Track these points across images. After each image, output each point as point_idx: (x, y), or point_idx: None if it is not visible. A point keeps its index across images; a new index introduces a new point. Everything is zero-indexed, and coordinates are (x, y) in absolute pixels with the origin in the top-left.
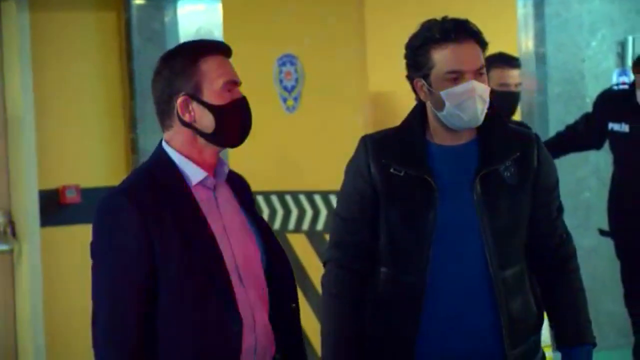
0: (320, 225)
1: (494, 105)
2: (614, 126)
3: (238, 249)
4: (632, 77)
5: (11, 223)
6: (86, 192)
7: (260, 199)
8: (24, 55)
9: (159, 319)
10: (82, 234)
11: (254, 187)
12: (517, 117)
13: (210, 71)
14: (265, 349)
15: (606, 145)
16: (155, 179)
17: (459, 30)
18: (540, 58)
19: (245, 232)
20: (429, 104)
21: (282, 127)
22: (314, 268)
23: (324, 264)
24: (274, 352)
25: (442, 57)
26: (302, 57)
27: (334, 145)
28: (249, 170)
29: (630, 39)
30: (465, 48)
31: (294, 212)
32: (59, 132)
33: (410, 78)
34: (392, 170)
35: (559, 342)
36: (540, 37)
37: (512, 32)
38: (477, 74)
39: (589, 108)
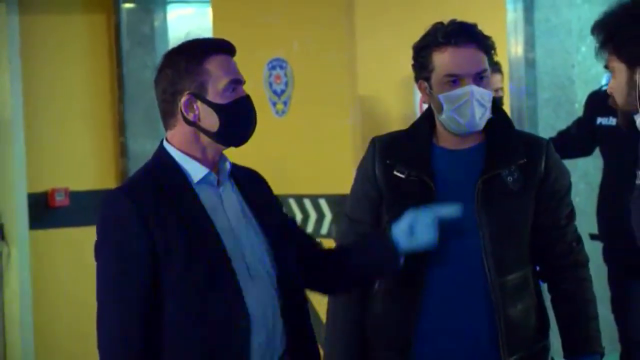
0: (309, 229)
1: (503, 110)
2: (602, 120)
3: (246, 245)
4: None
5: (0, 226)
6: (75, 196)
7: None
8: (13, 58)
9: (165, 317)
10: (71, 237)
11: None
12: None
13: (215, 70)
14: (278, 345)
15: (596, 152)
16: (156, 179)
17: (460, 34)
18: (530, 63)
19: (252, 228)
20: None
21: (272, 131)
22: None
23: None
24: (288, 349)
25: (441, 61)
26: (291, 61)
27: (323, 149)
28: None
29: None
30: (464, 52)
31: None
32: (48, 135)
33: (416, 79)
34: (395, 171)
35: (566, 351)
36: (530, 42)
37: (501, 37)
38: (477, 79)
39: (578, 113)
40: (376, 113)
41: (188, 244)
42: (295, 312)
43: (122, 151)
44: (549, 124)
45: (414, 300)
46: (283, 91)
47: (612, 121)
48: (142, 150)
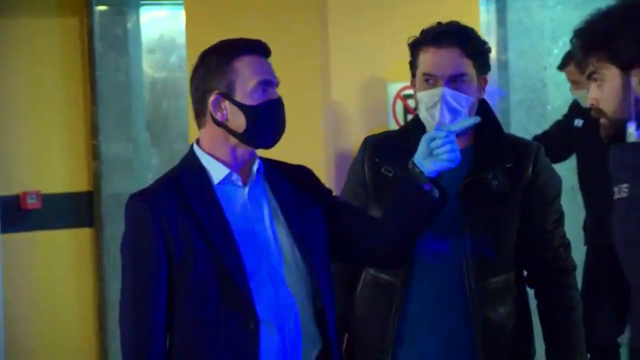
0: None
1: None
2: (578, 122)
3: (268, 248)
4: None
5: None
6: (47, 198)
7: None
8: None
9: (176, 318)
10: (42, 240)
11: None
12: None
13: (244, 70)
14: (298, 348)
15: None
16: (178, 181)
17: (443, 36)
18: (503, 65)
19: (283, 230)
20: None
21: None
22: None
23: None
24: (314, 352)
25: (422, 59)
26: None
27: (295, 152)
28: None
29: None
30: (443, 53)
31: None
32: (20, 137)
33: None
34: (383, 170)
35: (549, 358)
36: (502, 44)
37: None
38: (452, 81)
39: (550, 115)
40: (349, 117)
41: (201, 248)
42: (314, 318)
43: (95, 154)
44: (521, 125)
45: (394, 303)
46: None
47: (579, 122)
48: (115, 153)
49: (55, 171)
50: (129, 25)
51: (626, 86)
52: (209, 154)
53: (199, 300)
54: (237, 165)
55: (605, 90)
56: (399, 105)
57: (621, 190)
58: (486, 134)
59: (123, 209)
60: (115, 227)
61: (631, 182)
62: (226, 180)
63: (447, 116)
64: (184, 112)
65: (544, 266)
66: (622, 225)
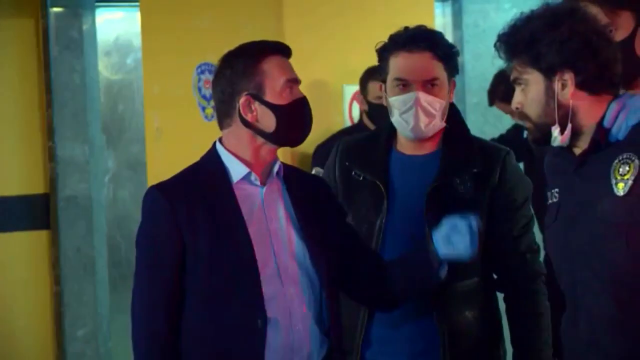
0: None
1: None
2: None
3: (281, 247)
4: None
5: None
6: (2, 201)
7: None
8: None
9: (185, 313)
10: None
11: None
12: None
13: (272, 71)
14: (304, 348)
15: None
16: (197, 176)
17: (414, 40)
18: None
19: (296, 231)
20: None
21: (201, 135)
22: None
23: None
24: (319, 353)
25: (393, 64)
26: None
27: None
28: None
29: None
30: (415, 58)
31: None
32: None
33: (381, 82)
34: (353, 173)
35: None
36: (458, 46)
37: None
38: (426, 86)
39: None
40: None
41: (214, 242)
42: (321, 320)
43: (51, 156)
44: (477, 127)
45: (362, 307)
46: (212, 96)
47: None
48: (71, 155)
49: (11, 173)
50: (84, 27)
51: (549, 90)
52: (232, 153)
53: (209, 294)
54: (259, 166)
55: (529, 95)
56: (355, 107)
57: (553, 195)
58: (454, 139)
59: (79, 211)
60: (71, 229)
61: (560, 187)
62: (245, 179)
63: (423, 120)
64: (140, 115)
65: (511, 272)
66: (553, 230)
